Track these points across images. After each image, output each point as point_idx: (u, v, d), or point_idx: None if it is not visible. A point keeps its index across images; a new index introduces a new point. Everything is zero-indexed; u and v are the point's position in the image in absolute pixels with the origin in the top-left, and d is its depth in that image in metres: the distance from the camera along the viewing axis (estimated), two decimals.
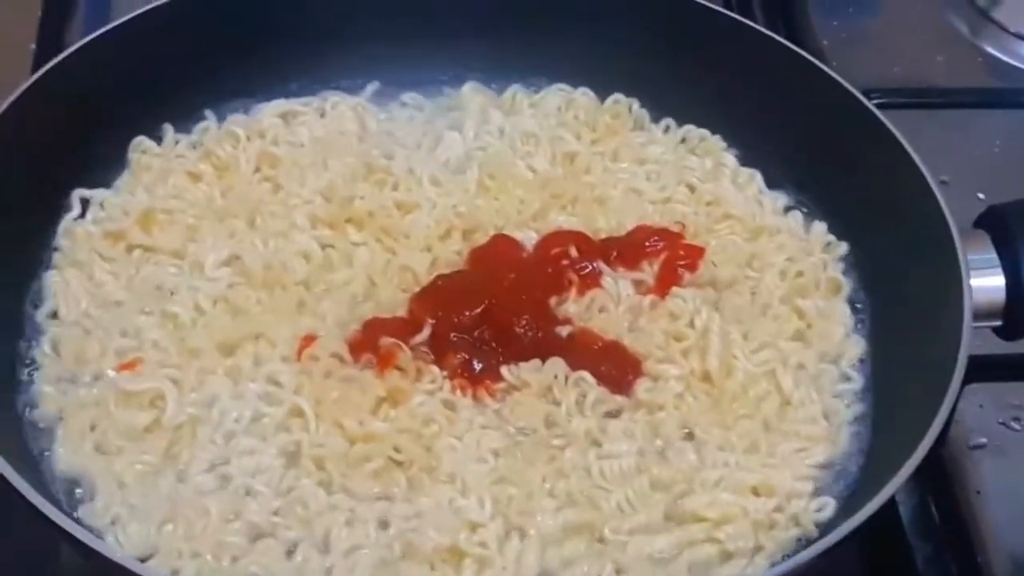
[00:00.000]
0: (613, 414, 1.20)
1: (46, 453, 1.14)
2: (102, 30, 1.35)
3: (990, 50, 1.81)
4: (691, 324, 1.25)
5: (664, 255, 1.30)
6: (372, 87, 1.48)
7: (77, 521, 1.06)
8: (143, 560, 1.06)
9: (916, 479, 1.26)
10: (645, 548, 1.10)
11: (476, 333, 1.22)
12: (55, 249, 1.29)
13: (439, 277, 1.27)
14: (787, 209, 1.39)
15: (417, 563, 1.07)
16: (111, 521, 1.09)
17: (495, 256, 1.30)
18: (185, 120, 1.41)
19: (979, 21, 1.84)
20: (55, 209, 1.31)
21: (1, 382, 1.18)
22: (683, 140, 1.45)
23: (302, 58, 1.46)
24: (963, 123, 1.69)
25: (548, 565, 1.08)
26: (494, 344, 1.22)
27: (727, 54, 1.42)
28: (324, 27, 1.46)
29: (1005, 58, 1.80)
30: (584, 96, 1.47)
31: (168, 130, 1.39)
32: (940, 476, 1.29)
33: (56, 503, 1.04)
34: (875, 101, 1.36)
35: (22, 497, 1.00)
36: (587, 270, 1.29)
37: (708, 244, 1.33)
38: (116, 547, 1.06)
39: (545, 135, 1.43)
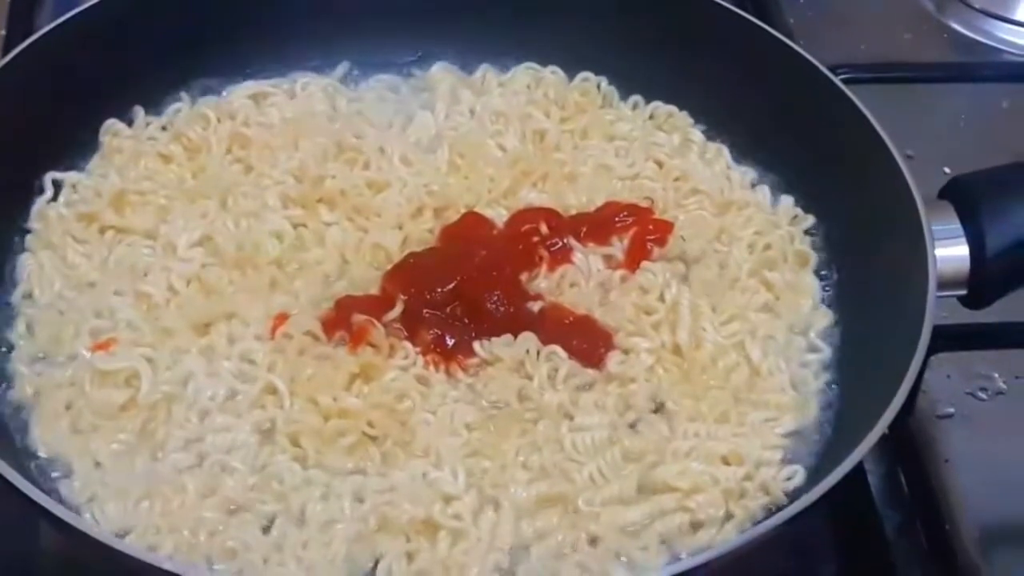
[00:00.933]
0: (585, 387, 1.21)
1: (22, 433, 1.15)
2: (71, 13, 1.35)
3: (955, 26, 1.83)
4: (661, 298, 1.26)
5: (633, 230, 1.31)
6: (342, 68, 1.48)
7: (57, 500, 1.07)
8: (121, 537, 1.06)
9: (885, 449, 1.29)
10: (618, 519, 1.11)
11: (448, 309, 1.24)
12: (28, 231, 1.30)
13: (411, 255, 1.28)
14: (754, 184, 1.40)
15: (392, 536, 1.08)
16: (88, 499, 1.10)
17: (466, 233, 1.31)
18: (156, 103, 1.42)
19: None
20: (28, 192, 1.32)
21: None
22: (651, 116, 1.46)
23: (272, 39, 1.47)
24: (928, 98, 1.71)
25: (522, 536, 1.10)
26: (466, 320, 1.23)
27: (695, 31, 1.44)
28: (294, 8, 1.47)
29: (970, 34, 1.82)
30: (553, 75, 1.48)
31: (139, 112, 1.40)
32: (908, 445, 1.30)
33: (34, 483, 1.04)
34: (841, 76, 1.38)
35: (0, 477, 1.01)
36: (557, 246, 1.30)
37: (677, 219, 1.34)
38: (93, 525, 1.07)
39: (515, 113, 1.44)
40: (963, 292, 1.22)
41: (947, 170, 1.51)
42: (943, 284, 1.17)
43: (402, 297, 1.23)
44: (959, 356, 1.37)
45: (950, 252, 1.20)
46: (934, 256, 1.18)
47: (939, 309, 1.15)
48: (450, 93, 1.46)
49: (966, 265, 1.20)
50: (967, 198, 1.22)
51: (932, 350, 1.13)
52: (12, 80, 1.28)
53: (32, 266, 1.27)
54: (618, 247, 1.31)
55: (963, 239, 1.20)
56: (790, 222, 1.36)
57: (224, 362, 1.19)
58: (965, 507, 1.26)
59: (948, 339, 1.28)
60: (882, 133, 1.27)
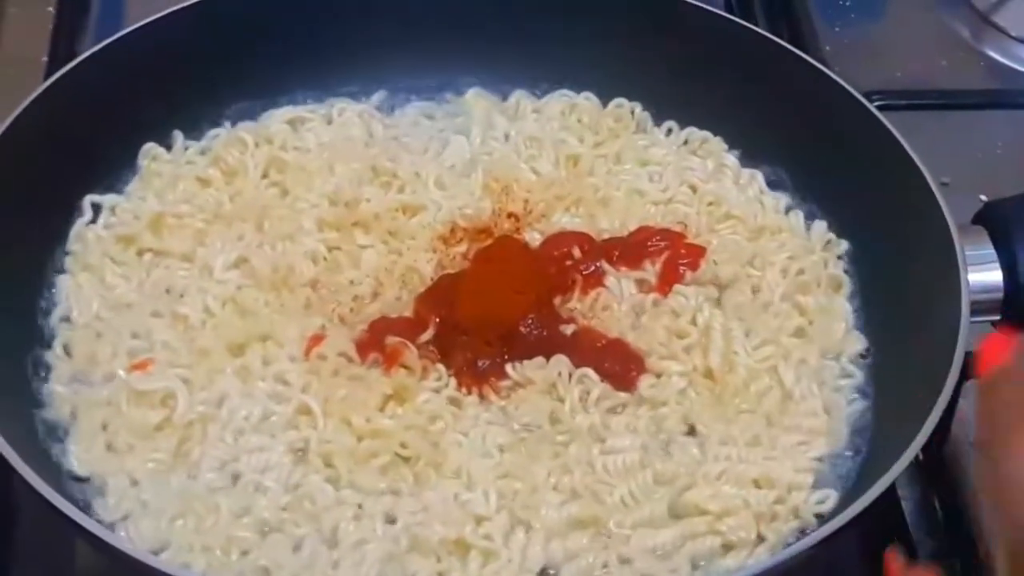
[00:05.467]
0: (616, 410, 1.21)
1: (59, 452, 1.16)
2: (111, 38, 1.36)
3: (991, 53, 1.83)
4: (693, 321, 1.27)
5: (666, 254, 1.31)
6: (378, 95, 1.50)
7: (91, 517, 1.08)
8: (155, 555, 1.07)
9: (919, 475, 1.28)
10: (648, 541, 1.11)
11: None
12: (67, 253, 1.31)
13: (444, 277, 1.29)
14: (788, 209, 1.40)
15: (423, 556, 1.08)
16: (123, 517, 1.11)
17: (500, 256, 1.31)
18: (195, 127, 1.43)
19: (980, 25, 1.85)
20: (67, 214, 1.33)
21: (15, 383, 1.19)
22: (685, 142, 1.46)
23: (309, 66, 1.48)
24: (964, 125, 1.70)
25: (553, 558, 1.10)
26: (499, 342, 1.23)
27: (729, 57, 1.44)
28: (331, 36, 1.48)
29: (1006, 61, 1.81)
30: (587, 100, 1.48)
31: (178, 137, 1.41)
32: (942, 472, 1.29)
33: (70, 500, 1.05)
34: (876, 103, 1.38)
35: (38, 494, 1.01)
36: (590, 270, 1.31)
37: (710, 243, 1.34)
38: (128, 542, 1.08)
39: (549, 138, 1.44)
40: (997, 318, 1.21)
41: (983, 197, 1.50)
42: (977, 310, 1.17)
43: (435, 320, 1.24)
44: None
45: (984, 278, 1.19)
46: (967, 281, 1.17)
47: (972, 335, 1.14)
48: (485, 118, 1.47)
49: (1000, 291, 1.20)
50: (1001, 223, 1.21)
51: (965, 376, 1.12)
52: (53, 104, 1.29)
53: (70, 287, 1.28)
54: (651, 271, 1.31)
55: (997, 265, 1.20)
56: (823, 247, 1.36)
57: (259, 383, 1.20)
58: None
59: None
60: (915, 158, 1.27)
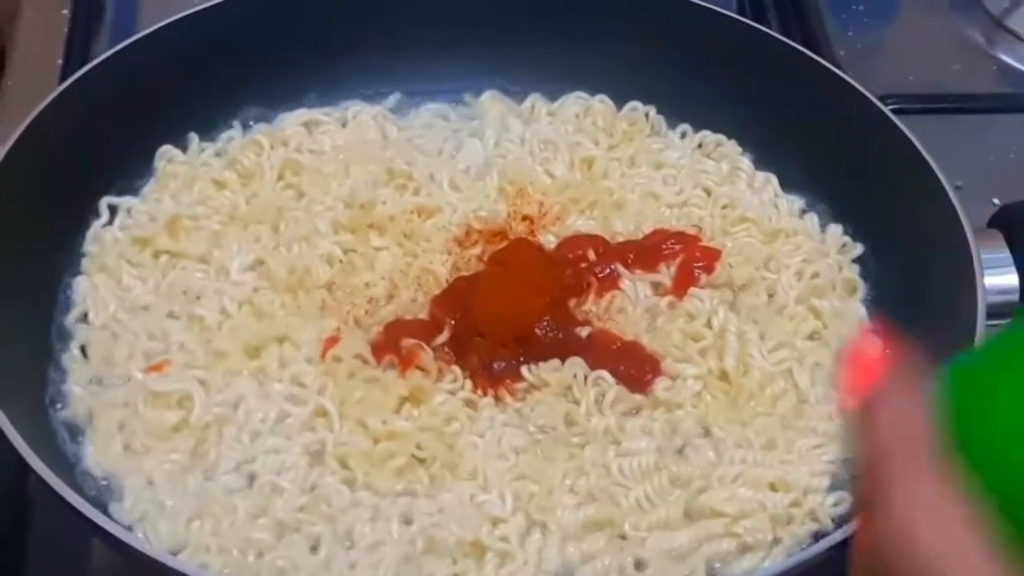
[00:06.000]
0: (632, 412, 1.21)
1: (76, 453, 1.16)
2: (127, 42, 1.37)
3: (1005, 58, 1.83)
4: (708, 324, 1.27)
5: (681, 257, 1.32)
6: (393, 97, 1.50)
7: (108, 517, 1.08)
8: (172, 555, 1.07)
9: None
10: (664, 543, 1.11)
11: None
12: (84, 255, 1.31)
13: (459, 279, 1.29)
14: (803, 212, 1.40)
15: (439, 557, 1.09)
16: (140, 518, 1.11)
17: (514, 259, 1.31)
18: (209, 129, 1.43)
19: (993, 29, 1.85)
20: (83, 216, 1.33)
21: (32, 383, 1.20)
22: (699, 145, 1.46)
23: (323, 69, 1.49)
24: (977, 129, 1.70)
25: (568, 560, 1.10)
26: (514, 345, 1.24)
27: (744, 61, 1.44)
28: (345, 38, 1.48)
29: (1019, 65, 1.81)
30: (602, 103, 1.49)
31: (193, 139, 1.42)
32: None
33: (88, 501, 1.05)
34: (890, 107, 1.37)
35: (54, 495, 1.01)
36: (605, 272, 1.31)
37: (724, 246, 1.34)
38: (145, 543, 1.08)
39: (563, 141, 1.44)
40: None
41: (996, 201, 1.50)
42: (993, 312, 1.16)
43: (450, 322, 1.24)
44: None
45: (1000, 281, 1.20)
46: (983, 284, 1.17)
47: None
48: (499, 121, 1.47)
49: (1016, 293, 1.20)
50: (1017, 226, 1.22)
51: None
52: (69, 107, 1.30)
53: (87, 289, 1.28)
54: (666, 274, 1.31)
55: (1013, 268, 1.20)
56: (838, 251, 1.36)
57: (275, 384, 1.20)
58: None
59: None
60: (931, 161, 1.27)
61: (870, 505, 0.69)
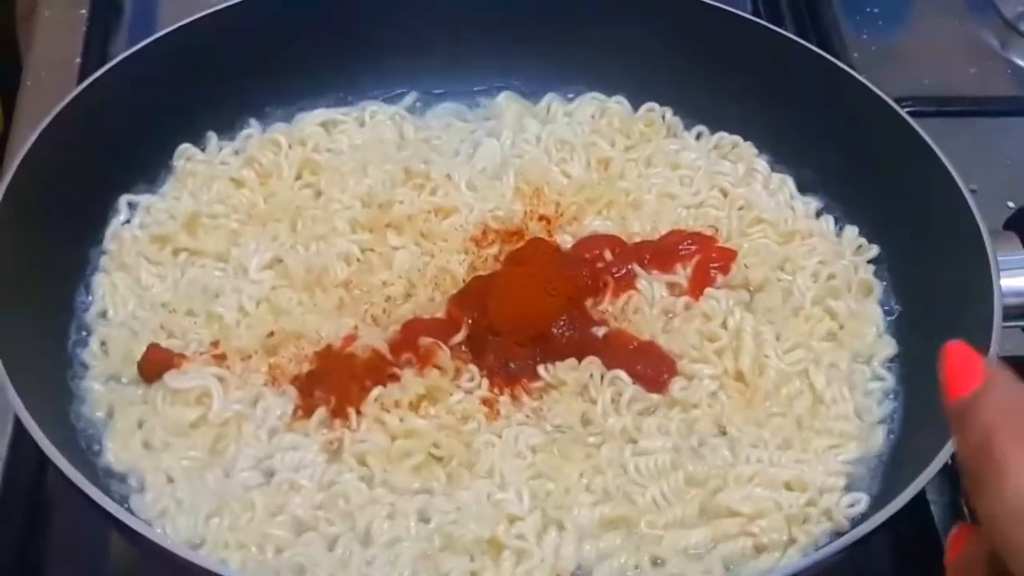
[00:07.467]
0: (648, 412, 1.22)
1: (96, 448, 1.17)
2: (145, 41, 1.37)
3: (1019, 61, 1.83)
4: (724, 325, 1.27)
5: (697, 258, 1.32)
6: (410, 97, 1.51)
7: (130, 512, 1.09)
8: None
9: (948, 479, 1.28)
10: (680, 542, 1.12)
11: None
12: (103, 252, 1.32)
13: (476, 279, 1.30)
14: (819, 213, 1.41)
15: (457, 555, 1.09)
16: (160, 513, 1.12)
17: (531, 259, 1.32)
18: (228, 128, 1.44)
19: (1008, 33, 1.85)
20: (103, 214, 1.34)
21: (53, 380, 1.20)
22: (716, 146, 1.47)
23: (341, 69, 1.50)
24: (992, 132, 1.70)
25: (585, 558, 1.11)
26: (531, 344, 1.24)
27: (760, 63, 1.44)
28: (363, 39, 1.49)
29: None
30: (618, 104, 1.49)
31: (212, 138, 1.43)
32: None
33: (108, 496, 1.06)
34: (905, 109, 1.38)
35: (73, 490, 1.02)
36: (622, 272, 1.31)
37: (741, 247, 1.35)
38: (165, 538, 1.09)
39: (580, 142, 1.45)
40: None
41: (1011, 204, 1.51)
42: (1009, 315, 1.17)
43: (467, 321, 1.25)
44: None
45: (1016, 283, 1.19)
46: (999, 286, 1.17)
47: (1004, 341, 1.14)
48: (516, 121, 1.47)
49: None
50: None
51: None
52: (88, 106, 1.30)
53: (106, 286, 1.29)
54: (682, 274, 1.32)
55: None
56: (854, 252, 1.36)
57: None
58: None
59: (1014, 371, 1.27)
60: (946, 162, 1.27)
61: (980, 483, 0.71)
